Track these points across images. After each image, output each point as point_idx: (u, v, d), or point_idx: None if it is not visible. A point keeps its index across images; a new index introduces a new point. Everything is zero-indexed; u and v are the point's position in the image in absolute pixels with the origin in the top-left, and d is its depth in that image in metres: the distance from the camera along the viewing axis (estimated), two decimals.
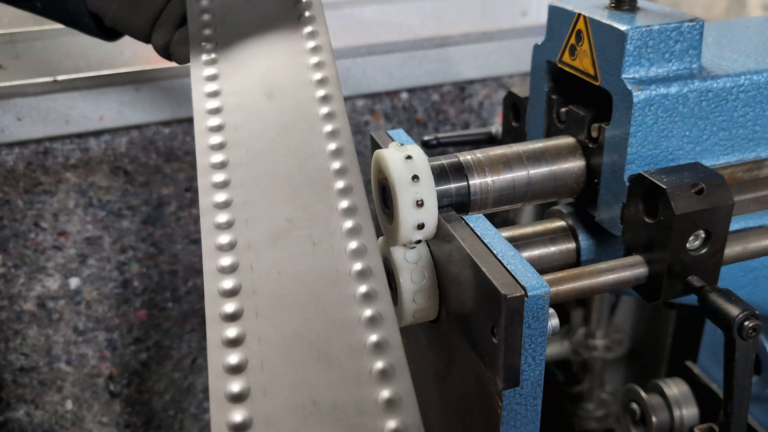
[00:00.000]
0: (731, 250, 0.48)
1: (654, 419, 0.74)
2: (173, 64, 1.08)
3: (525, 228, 0.55)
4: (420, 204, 0.47)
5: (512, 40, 1.21)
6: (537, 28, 1.23)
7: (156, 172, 1.12)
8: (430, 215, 0.47)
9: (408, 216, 0.47)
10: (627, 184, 0.48)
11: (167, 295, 1.19)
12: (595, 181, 0.51)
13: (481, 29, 1.24)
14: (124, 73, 1.05)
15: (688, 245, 0.45)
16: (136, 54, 1.20)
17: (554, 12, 0.52)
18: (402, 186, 0.47)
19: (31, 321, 1.12)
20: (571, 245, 0.54)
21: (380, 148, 0.59)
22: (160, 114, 1.09)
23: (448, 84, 1.22)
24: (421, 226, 0.47)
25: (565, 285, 0.45)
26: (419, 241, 0.50)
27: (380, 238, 0.55)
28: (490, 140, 0.69)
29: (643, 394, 0.76)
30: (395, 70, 1.17)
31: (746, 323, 0.42)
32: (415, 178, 0.47)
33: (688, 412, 0.75)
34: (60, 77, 1.03)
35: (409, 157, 0.48)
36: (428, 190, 0.47)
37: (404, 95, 1.20)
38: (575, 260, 0.54)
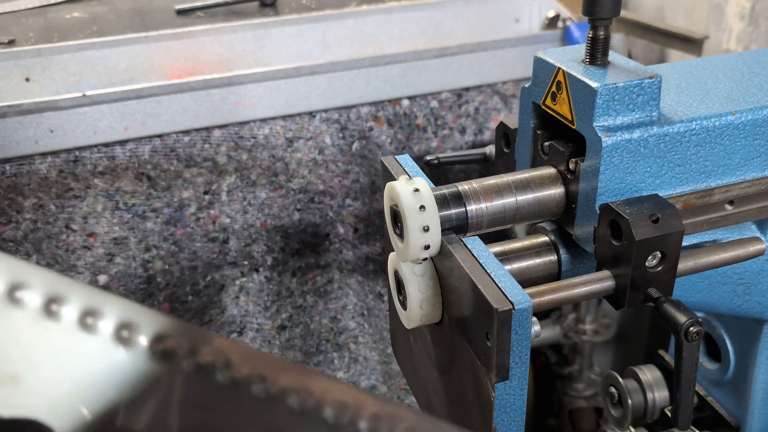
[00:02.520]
0: (684, 265, 0.58)
1: (630, 402, 0.85)
2: (191, 78, 1.17)
3: (514, 243, 0.65)
4: (426, 229, 0.57)
5: (505, 50, 1.30)
6: (527, 38, 1.32)
7: (177, 177, 1.21)
8: (434, 238, 0.57)
9: (416, 239, 0.56)
10: (598, 211, 0.57)
11: (187, 289, 1.29)
12: (573, 206, 0.61)
13: (477, 40, 1.33)
14: (146, 87, 1.14)
15: (647, 263, 0.55)
16: (154, 65, 1.28)
17: (539, 62, 0.61)
18: (411, 215, 0.56)
19: None
20: (553, 258, 0.64)
21: (390, 172, 0.69)
22: (180, 124, 1.18)
23: (446, 91, 1.31)
24: (427, 247, 0.57)
25: (546, 297, 0.55)
26: (425, 259, 0.59)
27: (392, 254, 0.65)
28: (485, 160, 0.78)
29: (620, 379, 0.86)
30: (397, 80, 1.26)
31: (691, 329, 0.52)
32: (422, 207, 0.56)
33: (660, 395, 0.85)
34: (89, 92, 1.12)
35: (417, 190, 0.57)
36: (433, 218, 0.57)
37: (405, 102, 1.29)
38: (557, 270, 0.64)
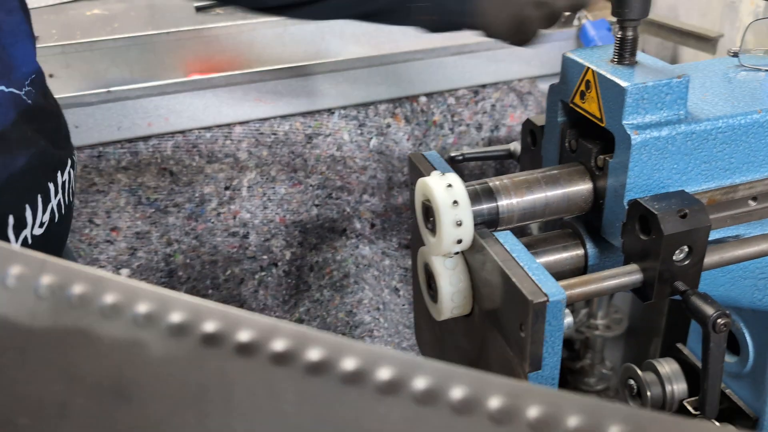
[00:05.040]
0: (710, 259, 0.60)
1: (648, 393, 0.86)
2: (212, 74, 1.19)
3: (543, 236, 0.67)
4: (459, 224, 0.58)
5: (521, 48, 1.31)
6: (542, 36, 1.33)
7: (198, 172, 1.23)
8: (467, 232, 0.59)
9: (449, 234, 0.58)
10: (626, 207, 0.59)
11: (208, 283, 1.31)
12: (600, 201, 0.63)
13: (493, 39, 1.34)
14: (169, 84, 1.16)
15: (674, 258, 0.56)
16: (175, 62, 1.30)
17: (567, 61, 0.63)
18: (444, 210, 0.58)
19: None
20: (580, 252, 0.66)
21: (419, 168, 0.71)
22: (202, 120, 1.19)
23: (463, 88, 1.32)
24: (459, 241, 0.59)
25: (577, 289, 0.56)
26: (457, 252, 0.61)
27: (421, 248, 0.67)
28: (509, 156, 0.80)
29: (639, 371, 0.88)
30: (414, 77, 1.28)
31: (719, 320, 0.53)
32: (455, 203, 0.58)
33: (679, 387, 0.87)
34: (113, 88, 1.14)
35: (449, 186, 0.59)
36: (466, 213, 0.58)
37: (423, 99, 1.31)
38: (583, 264, 0.66)
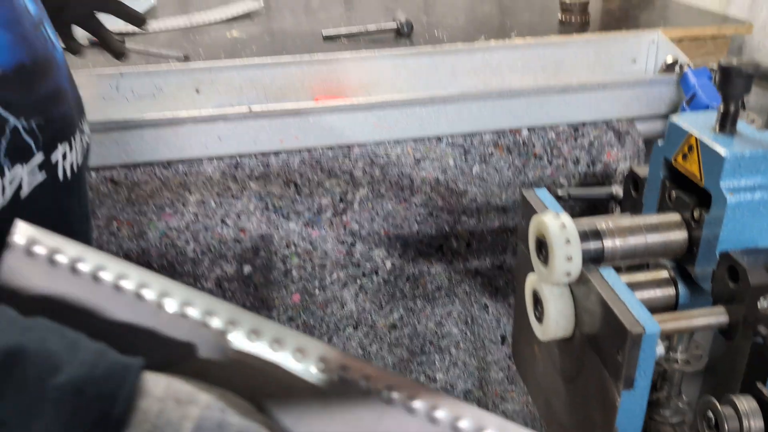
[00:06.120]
0: None
1: (726, 426, 0.94)
2: (337, 100, 1.33)
3: (639, 275, 0.76)
4: (569, 259, 0.69)
5: (621, 90, 1.40)
6: (644, 81, 1.41)
7: (318, 185, 1.38)
8: (576, 267, 0.69)
9: (561, 267, 0.69)
10: (718, 257, 0.68)
11: (316, 283, 1.46)
12: (694, 249, 0.72)
13: (594, 77, 1.43)
14: (302, 109, 1.31)
15: (759, 305, 0.65)
16: (304, 85, 1.46)
17: (673, 126, 0.73)
18: (558, 247, 0.69)
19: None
20: (672, 292, 0.75)
21: (531, 204, 0.82)
22: (326, 140, 1.34)
23: (564, 124, 1.42)
24: (568, 274, 0.70)
25: (669, 324, 0.66)
26: (565, 283, 0.72)
27: (531, 274, 0.78)
28: (611, 199, 0.90)
29: (718, 404, 0.95)
30: (519, 111, 1.38)
31: None
32: (567, 241, 0.69)
33: (756, 424, 0.93)
34: (254, 107, 1.30)
35: (563, 226, 0.70)
36: (576, 250, 0.69)
37: (525, 132, 1.41)
38: (674, 302, 0.75)
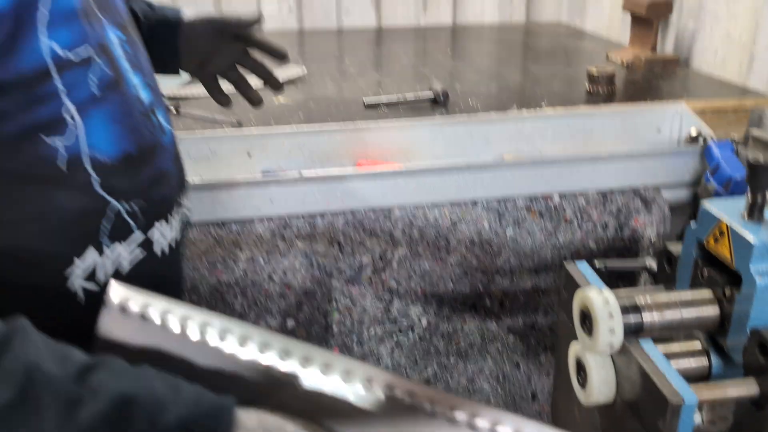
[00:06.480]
0: None
1: None
2: (379, 165, 1.42)
3: (674, 345, 0.83)
4: (612, 331, 0.76)
5: (648, 160, 1.48)
6: (670, 152, 1.49)
7: (360, 245, 1.46)
8: (618, 339, 0.76)
9: (604, 338, 0.76)
10: (748, 333, 0.75)
11: (354, 338, 1.53)
12: (726, 323, 0.79)
13: (621, 145, 1.52)
14: (348, 175, 1.40)
15: None
16: (348, 150, 1.56)
17: (705, 211, 0.80)
18: (602, 320, 0.76)
19: None
20: (705, 362, 0.81)
21: (573, 277, 0.89)
22: (369, 202, 1.43)
23: (593, 191, 1.50)
24: (611, 345, 0.76)
25: (706, 394, 0.72)
26: (608, 353, 0.79)
27: (574, 342, 0.85)
28: (645, 271, 0.97)
29: None
30: (551, 178, 1.47)
31: None
32: (610, 315, 0.76)
33: None
34: (304, 172, 1.40)
35: (607, 301, 0.77)
36: (618, 324, 0.76)
37: (556, 198, 1.49)
38: (707, 373, 0.81)
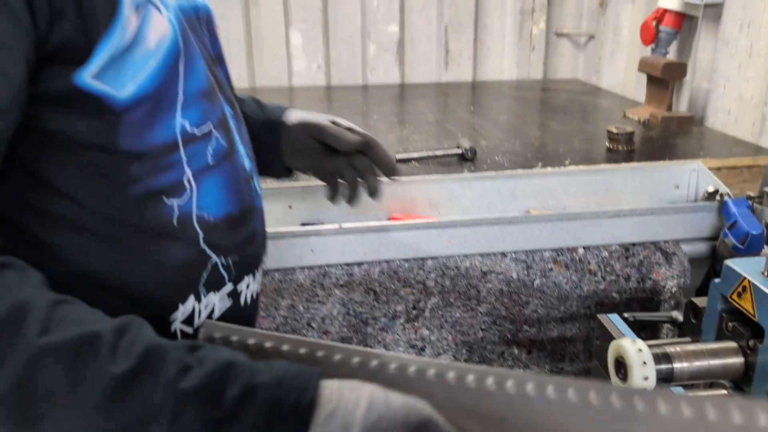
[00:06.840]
0: None
1: None
2: (416, 221, 1.51)
3: (701, 393, 0.90)
4: (645, 378, 0.83)
5: (668, 215, 1.56)
6: (688, 207, 1.58)
7: (394, 293, 1.54)
8: (651, 385, 0.83)
9: (638, 385, 0.83)
10: None
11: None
12: (750, 373, 0.85)
13: (641, 200, 1.60)
14: (384, 225, 1.49)
15: None
16: (381, 203, 1.65)
17: (728, 268, 0.88)
18: (636, 368, 0.83)
19: None
20: None
21: (606, 328, 0.96)
22: (403, 253, 1.51)
23: (616, 244, 1.57)
24: None
25: None
26: None
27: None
28: (671, 322, 1.04)
29: None
30: (576, 232, 1.55)
31: None
32: (644, 363, 0.83)
33: None
34: (343, 224, 1.49)
35: (640, 350, 0.84)
36: (651, 371, 0.83)
37: (581, 251, 1.57)
38: None
